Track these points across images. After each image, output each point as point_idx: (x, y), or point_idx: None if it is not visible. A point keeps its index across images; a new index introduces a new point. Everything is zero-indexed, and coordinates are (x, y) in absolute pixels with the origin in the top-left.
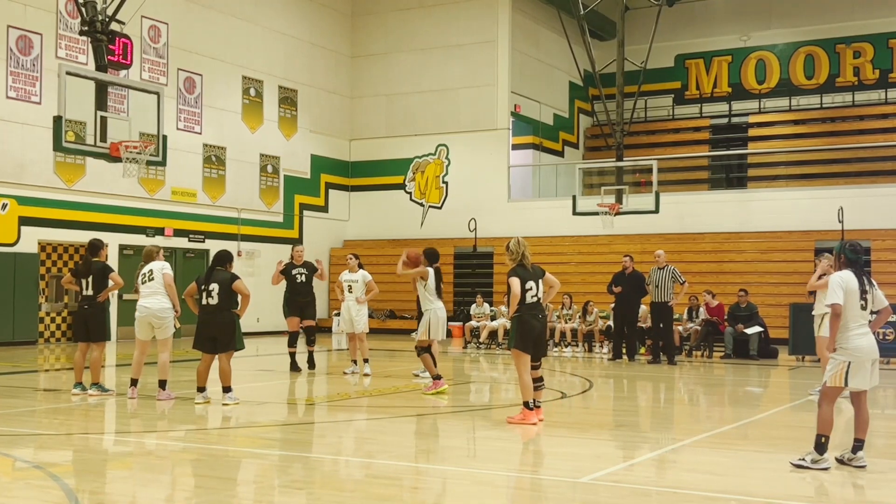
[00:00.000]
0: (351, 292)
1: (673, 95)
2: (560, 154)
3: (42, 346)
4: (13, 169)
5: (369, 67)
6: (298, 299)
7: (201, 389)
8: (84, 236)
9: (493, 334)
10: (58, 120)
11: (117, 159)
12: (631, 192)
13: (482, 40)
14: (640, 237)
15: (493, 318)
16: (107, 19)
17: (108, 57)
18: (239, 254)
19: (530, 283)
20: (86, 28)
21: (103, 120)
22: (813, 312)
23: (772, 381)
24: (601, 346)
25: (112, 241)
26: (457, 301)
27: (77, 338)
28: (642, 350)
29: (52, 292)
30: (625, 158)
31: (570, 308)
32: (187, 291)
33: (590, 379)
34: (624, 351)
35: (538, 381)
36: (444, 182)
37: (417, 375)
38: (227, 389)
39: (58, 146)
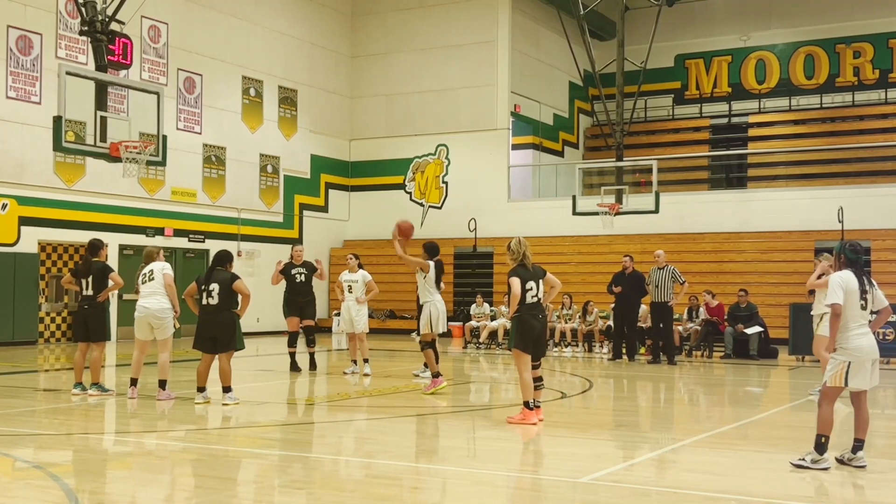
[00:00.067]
0: (351, 292)
1: (673, 95)
2: (560, 154)
3: (42, 346)
4: (13, 169)
5: (369, 67)
6: (298, 299)
7: (201, 389)
8: (84, 236)
9: (493, 334)
10: (58, 120)
11: (117, 159)
12: (631, 192)
13: (482, 40)
14: (640, 237)
15: (492, 318)
16: (107, 19)
17: (108, 57)
18: (239, 254)
19: (531, 284)
20: (86, 28)
21: (103, 120)
22: (812, 312)
23: (772, 381)
24: (601, 346)
25: (112, 241)
26: (457, 301)
27: (77, 338)
28: (642, 350)
29: (52, 292)
30: (625, 158)
31: (570, 308)
32: (187, 291)
33: (590, 379)
34: (624, 351)
35: (538, 381)
36: (443, 182)
37: (417, 375)
38: (227, 389)
39: (58, 146)
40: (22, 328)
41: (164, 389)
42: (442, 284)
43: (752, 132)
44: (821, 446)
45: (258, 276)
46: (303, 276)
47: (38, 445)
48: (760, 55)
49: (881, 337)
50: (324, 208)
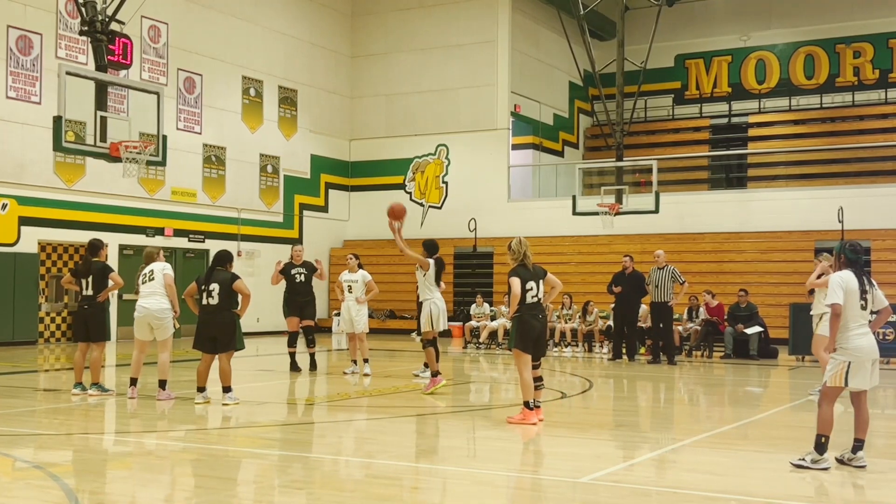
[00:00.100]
0: (351, 292)
1: (673, 95)
2: (560, 154)
3: (42, 346)
4: (13, 169)
5: (369, 67)
6: (298, 299)
7: (201, 389)
8: (84, 236)
9: (493, 334)
10: (58, 120)
11: (117, 159)
12: (631, 192)
13: (482, 40)
14: (640, 237)
15: (492, 318)
16: (107, 19)
17: (108, 57)
18: (239, 254)
19: (531, 283)
20: (86, 28)
21: (103, 120)
22: (811, 312)
23: (772, 381)
24: (601, 346)
25: (112, 241)
26: (457, 301)
27: (77, 338)
28: (642, 350)
29: (52, 292)
30: (625, 158)
31: (570, 308)
32: (187, 291)
33: (590, 379)
34: (624, 351)
35: (538, 381)
36: (443, 182)
37: (417, 375)
38: (227, 389)
39: (58, 146)
40: (22, 328)
41: (164, 389)
42: (442, 283)
43: (752, 132)
44: (821, 446)
45: (258, 276)
46: (303, 276)
47: (38, 445)
48: (760, 55)
49: (881, 337)
50: (324, 208)
